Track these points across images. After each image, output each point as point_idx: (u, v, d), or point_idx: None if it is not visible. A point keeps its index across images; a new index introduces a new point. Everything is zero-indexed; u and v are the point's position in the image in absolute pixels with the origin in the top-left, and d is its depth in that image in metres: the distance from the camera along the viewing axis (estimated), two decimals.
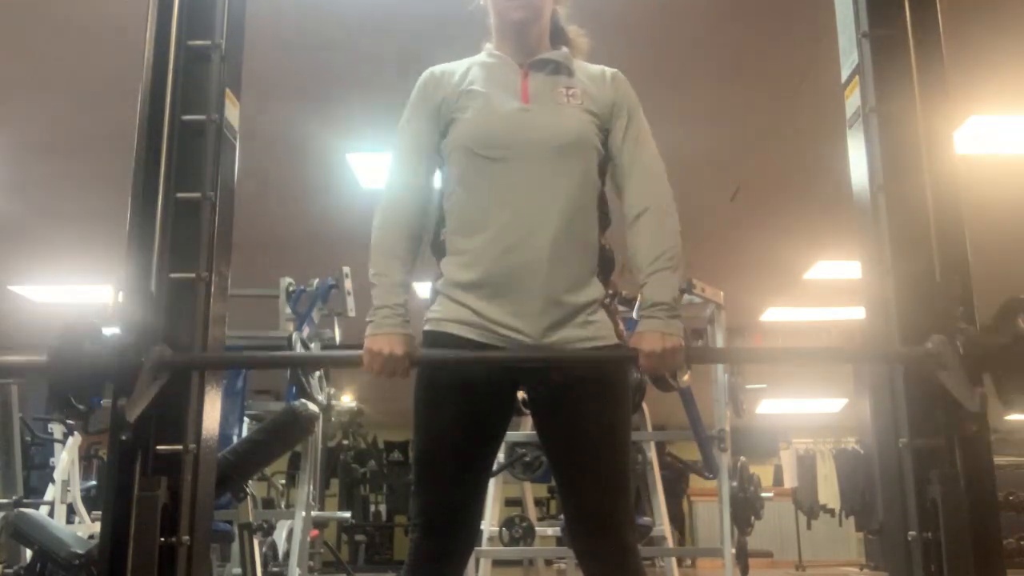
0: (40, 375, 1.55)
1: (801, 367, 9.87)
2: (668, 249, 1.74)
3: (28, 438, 5.61)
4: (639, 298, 1.74)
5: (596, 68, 1.89)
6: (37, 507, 4.29)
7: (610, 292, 1.80)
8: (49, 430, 5.50)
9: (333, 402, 4.87)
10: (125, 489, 1.60)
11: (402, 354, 1.66)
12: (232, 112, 1.87)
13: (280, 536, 5.37)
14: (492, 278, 1.71)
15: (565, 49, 1.88)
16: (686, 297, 4.58)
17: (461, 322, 1.72)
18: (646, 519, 4.97)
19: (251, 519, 3.76)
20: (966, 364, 1.56)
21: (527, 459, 4.83)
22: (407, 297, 1.74)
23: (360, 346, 1.69)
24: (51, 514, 4.46)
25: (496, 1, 1.83)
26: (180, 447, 1.64)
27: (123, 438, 1.62)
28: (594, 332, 1.73)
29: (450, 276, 1.77)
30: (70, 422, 5.08)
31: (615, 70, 1.88)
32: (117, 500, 1.60)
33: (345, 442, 10.72)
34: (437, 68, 1.87)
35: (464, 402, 1.71)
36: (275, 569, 5.13)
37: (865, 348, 1.82)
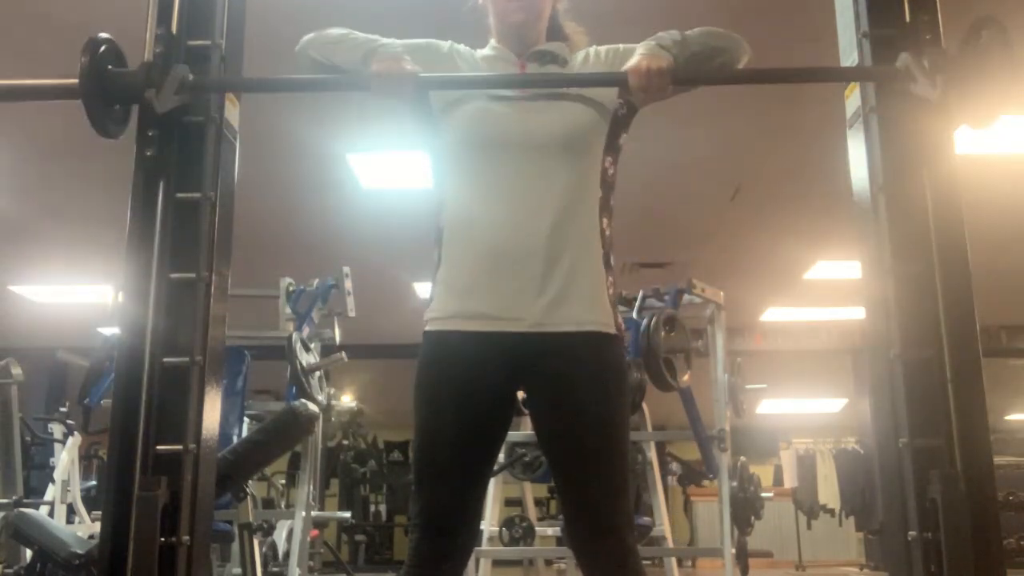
0: (72, 95, 1.62)
1: (801, 367, 9.92)
2: (717, 40, 1.86)
3: (28, 438, 5.60)
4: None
5: (583, 52, 1.91)
6: (37, 507, 4.29)
7: (611, 279, 1.79)
8: (49, 430, 5.50)
9: (333, 402, 4.87)
10: (125, 489, 1.60)
11: (410, 68, 1.70)
12: (232, 112, 1.86)
13: (280, 536, 5.37)
14: (491, 266, 1.72)
15: (561, 43, 1.90)
16: (686, 297, 4.59)
17: (461, 315, 1.73)
18: (646, 519, 4.97)
19: (251, 519, 3.76)
20: (932, 73, 1.64)
21: (527, 459, 4.84)
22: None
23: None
24: (51, 514, 4.47)
25: (496, 2, 1.84)
26: (180, 447, 1.64)
27: (148, 153, 1.71)
28: (595, 316, 1.73)
29: (450, 264, 1.77)
30: (70, 422, 5.09)
31: (594, 46, 1.92)
32: (117, 500, 1.60)
33: (345, 442, 10.73)
34: (457, 46, 1.91)
35: (464, 402, 1.71)
36: (275, 569, 5.13)
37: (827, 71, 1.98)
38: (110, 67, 1.68)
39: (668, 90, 1.71)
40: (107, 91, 1.67)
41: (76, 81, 1.62)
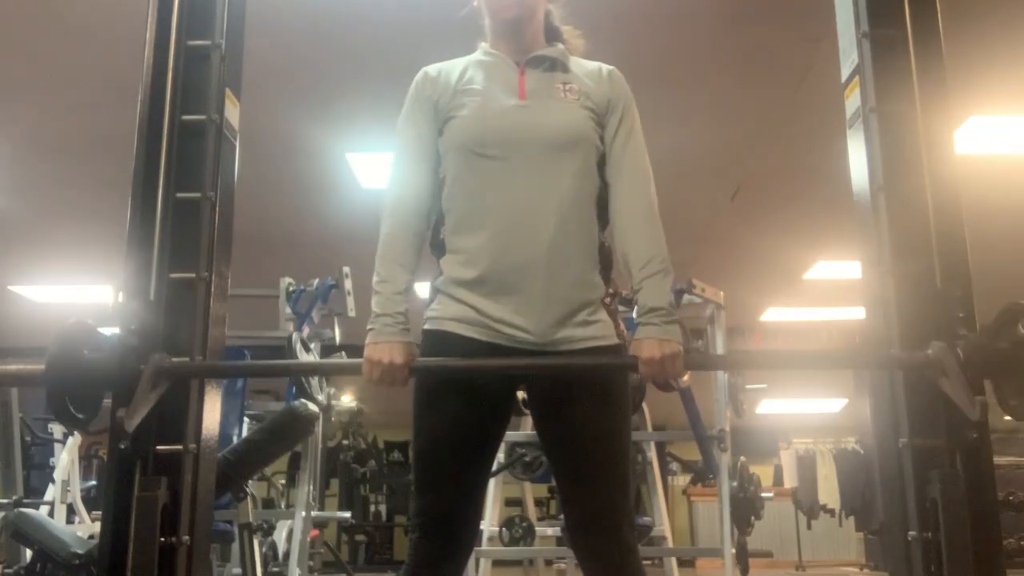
0: (38, 384, 1.51)
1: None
2: (659, 253, 1.73)
3: (28, 438, 5.60)
4: (636, 303, 1.73)
5: (592, 64, 1.89)
6: (37, 507, 4.28)
7: (610, 291, 1.80)
8: (49, 430, 5.49)
9: (333, 402, 4.86)
10: (125, 489, 1.60)
11: (401, 363, 1.65)
12: (232, 112, 1.87)
13: (280, 536, 5.37)
14: (493, 276, 1.71)
15: (560, 45, 1.88)
16: (686, 297, 4.58)
17: (462, 320, 1.72)
18: (646, 519, 4.97)
19: (251, 519, 3.76)
20: (967, 371, 1.55)
21: (527, 459, 4.83)
22: (407, 305, 1.73)
23: (361, 347, 1.70)
24: (51, 514, 4.46)
25: (489, 1, 1.83)
26: (180, 447, 1.64)
27: (122, 447, 1.62)
28: (595, 332, 1.73)
29: (450, 274, 1.76)
30: None
31: (611, 67, 1.88)
32: (117, 500, 1.61)
33: (345, 442, 10.72)
34: (432, 67, 1.87)
35: (463, 402, 1.71)
36: (275, 569, 5.12)
37: (865, 353, 1.82)
38: (82, 353, 1.55)
39: (680, 372, 1.67)
40: (75, 384, 1.54)
41: (42, 368, 1.50)
